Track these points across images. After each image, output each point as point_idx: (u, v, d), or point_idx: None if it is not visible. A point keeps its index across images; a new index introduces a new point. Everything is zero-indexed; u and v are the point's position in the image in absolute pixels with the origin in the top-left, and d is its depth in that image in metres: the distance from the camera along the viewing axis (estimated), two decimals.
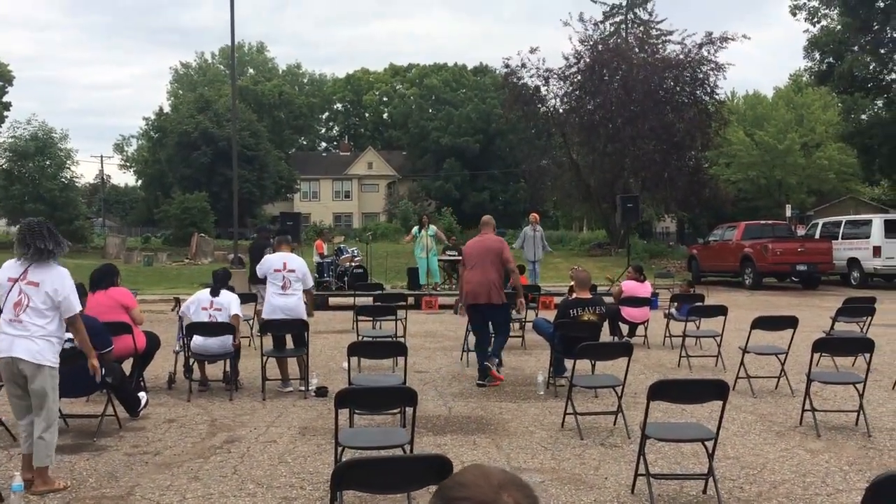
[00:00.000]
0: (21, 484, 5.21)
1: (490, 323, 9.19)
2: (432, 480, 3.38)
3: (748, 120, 44.23)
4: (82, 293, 7.39)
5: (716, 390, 5.08)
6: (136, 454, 6.39)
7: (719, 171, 41.27)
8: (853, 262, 23.91)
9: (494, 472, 1.46)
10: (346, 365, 8.82)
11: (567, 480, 5.67)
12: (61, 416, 6.46)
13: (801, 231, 28.79)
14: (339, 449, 5.11)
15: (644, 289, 12.07)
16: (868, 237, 23.45)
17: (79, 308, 5.55)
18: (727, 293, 22.59)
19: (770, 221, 27.89)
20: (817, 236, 25.47)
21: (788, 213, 33.38)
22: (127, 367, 8.14)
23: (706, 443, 5.28)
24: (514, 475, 1.46)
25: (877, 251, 23.09)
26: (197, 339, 8.56)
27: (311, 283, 9.28)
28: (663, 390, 5.16)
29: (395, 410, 6.67)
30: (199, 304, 8.82)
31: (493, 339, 9.26)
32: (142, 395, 7.80)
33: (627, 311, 11.81)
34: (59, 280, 5.41)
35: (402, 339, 9.83)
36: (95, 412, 7.21)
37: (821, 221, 27.03)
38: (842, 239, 24.33)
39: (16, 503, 5.03)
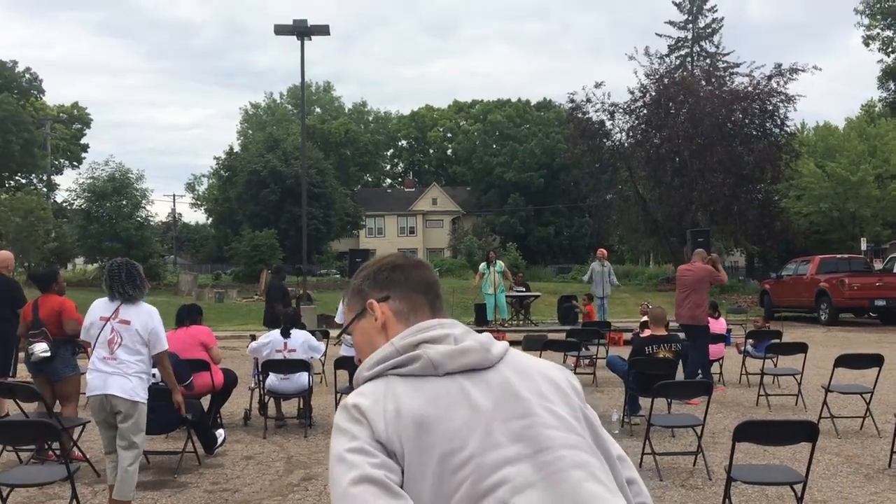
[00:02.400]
0: None
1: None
2: None
3: (819, 152, 43.35)
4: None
5: (805, 432, 4.95)
6: (216, 491, 6.47)
7: (790, 204, 40.46)
8: None
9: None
10: None
11: None
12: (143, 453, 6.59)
13: (878, 265, 27.97)
14: None
15: (719, 325, 11.86)
16: None
17: (166, 345, 5.71)
18: (802, 329, 22.03)
19: (846, 255, 27.16)
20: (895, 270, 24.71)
21: (864, 246, 32.49)
22: (205, 403, 8.29)
23: (794, 486, 5.13)
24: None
25: None
26: (272, 380, 8.66)
27: None
28: (749, 431, 5.04)
29: None
30: (273, 346, 8.94)
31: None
32: (219, 432, 7.92)
33: None
34: (147, 318, 5.58)
35: None
36: (176, 448, 7.34)
37: None
38: None
39: None
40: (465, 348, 1.56)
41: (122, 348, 5.44)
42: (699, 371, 10.25)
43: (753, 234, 36.12)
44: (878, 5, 30.31)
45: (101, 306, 5.65)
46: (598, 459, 1.57)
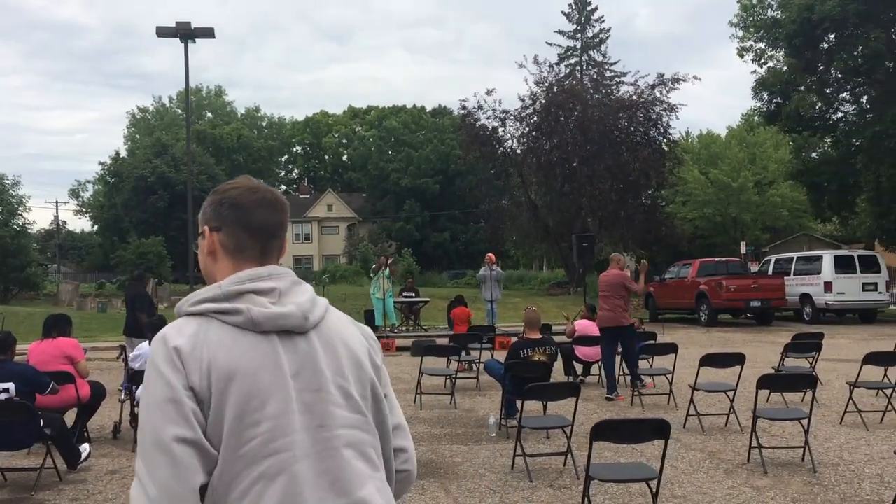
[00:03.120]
0: None
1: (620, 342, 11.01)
2: None
3: (703, 159, 45.05)
4: (10, 342, 7.25)
5: (657, 429, 5.08)
6: None
7: (676, 209, 41.86)
8: (805, 298, 24.24)
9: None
10: None
11: None
12: None
13: (754, 267, 29.17)
14: None
15: (596, 328, 12.10)
16: (819, 273, 23.81)
17: None
18: (684, 330, 22.77)
19: (724, 259, 28.23)
20: (770, 273, 25.81)
21: (743, 249, 33.86)
22: (70, 418, 7.96)
23: (650, 483, 5.27)
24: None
25: (828, 287, 23.44)
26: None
27: None
28: (606, 430, 5.15)
29: None
30: (144, 357, 8.66)
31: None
32: (84, 446, 7.61)
33: (581, 351, 11.85)
34: None
35: None
36: (34, 465, 7.01)
37: (773, 258, 27.41)
38: (794, 275, 24.69)
39: None
40: (286, 313, 1.68)
41: None
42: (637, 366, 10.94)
43: (640, 239, 37.19)
44: (751, 18, 31.71)
45: None
46: (373, 436, 1.74)
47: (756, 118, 42.23)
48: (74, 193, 77.49)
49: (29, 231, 41.95)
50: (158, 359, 1.60)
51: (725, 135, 49.48)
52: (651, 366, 11.66)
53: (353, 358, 1.76)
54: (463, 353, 12.61)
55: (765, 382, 7.05)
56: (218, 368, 1.59)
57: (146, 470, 1.54)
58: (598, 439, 5.15)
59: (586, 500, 5.26)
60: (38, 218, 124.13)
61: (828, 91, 29.73)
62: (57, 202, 75.40)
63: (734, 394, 8.60)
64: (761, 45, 31.57)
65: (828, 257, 24.23)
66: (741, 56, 32.92)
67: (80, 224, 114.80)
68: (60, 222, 72.05)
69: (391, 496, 1.77)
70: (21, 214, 40.09)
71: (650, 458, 6.98)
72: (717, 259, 27.84)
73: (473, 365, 12.35)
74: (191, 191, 23.51)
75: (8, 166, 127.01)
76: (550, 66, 40.05)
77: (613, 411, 9.96)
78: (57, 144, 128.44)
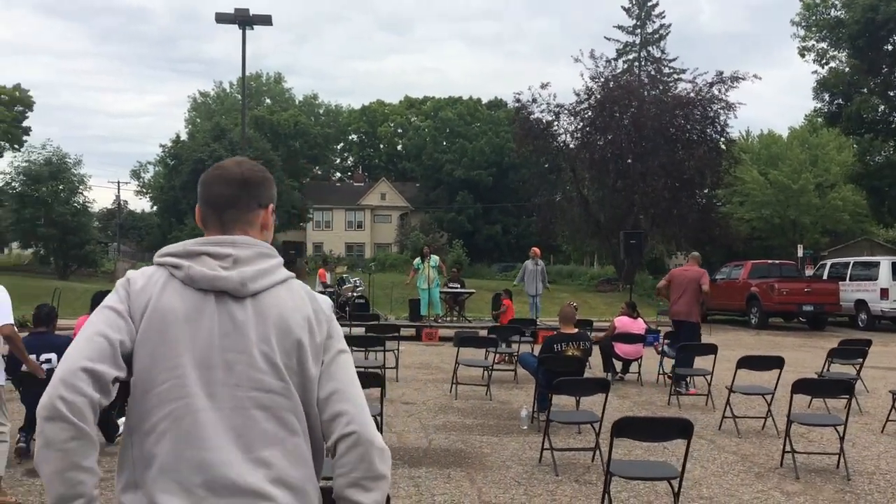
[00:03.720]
0: None
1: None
2: None
3: (762, 159, 44.13)
4: (52, 315, 7.43)
5: (679, 429, 5.03)
6: None
7: (732, 210, 41.13)
8: (861, 304, 23.66)
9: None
10: None
11: None
12: None
13: (810, 271, 28.56)
14: None
15: (637, 325, 12.01)
16: (876, 279, 23.23)
17: (8, 320, 5.49)
18: (733, 332, 22.44)
19: (778, 261, 27.69)
20: (825, 277, 25.26)
21: (800, 252, 33.14)
22: None
23: (672, 482, 5.22)
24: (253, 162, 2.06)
25: (884, 293, 22.84)
26: None
27: None
28: (627, 427, 5.11)
29: None
30: None
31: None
32: (122, 420, 7.76)
33: (620, 348, 11.76)
34: None
35: (390, 370, 9.79)
36: None
37: (829, 262, 26.81)
38: (849, 280, 24.11)
39: None
40: (223, 276, 1.83)
41: None
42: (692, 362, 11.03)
43: (693, 238, 36.63)
44: (814, 17, 30.90)
45: None
46: (293, 402, 1.83)
47: (818, 119, 41.24)
48: (136, 174, 79.08)
49: (89, 209, 42.95)
50: (119, 283, 1.88)
51: (787, 135, 48.40)
52: (692, 366, 11.51)
53: (283, 328, 1.85)
54: (503, 346, 12.62)
55: (800, 387, 6.92)
56: (154, 309, 1.80)
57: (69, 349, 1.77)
58: (619, 436, 5.12)
59: (607, 496, 5.23)
60: (100, 198, 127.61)
61: (891, 94, 28.91)
62: (119, 182, 77.13)
63: (772, 397, 8.45)
64: (823, 44, 30.78)
65: (885, 263, 23.60)
66: (802, 56, 32.08)
67: (141, 204, 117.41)
68: (122, 202, 73.66)
69: (305, 459, 1.84)
70: (82, 193, 41.06)
71: (680, 458, 6.90)
72: (770, 261, 27.32)
73: (513, 357, 12.34)
74: None
75: (74, 146, 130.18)
76: (607, 60, 39.59)
77: (649, 409, 9.88)
78: (123, 127, 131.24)
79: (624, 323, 11.94)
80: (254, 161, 2.09)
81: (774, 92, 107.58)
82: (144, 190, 76.10)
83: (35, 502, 5.76)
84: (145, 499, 1.73)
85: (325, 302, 1.99)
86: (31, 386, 6.62)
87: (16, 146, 56.72)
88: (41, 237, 39.32)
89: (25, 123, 60.18)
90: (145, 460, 1.75)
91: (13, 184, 39.43)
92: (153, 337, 1.78)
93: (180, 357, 1.77)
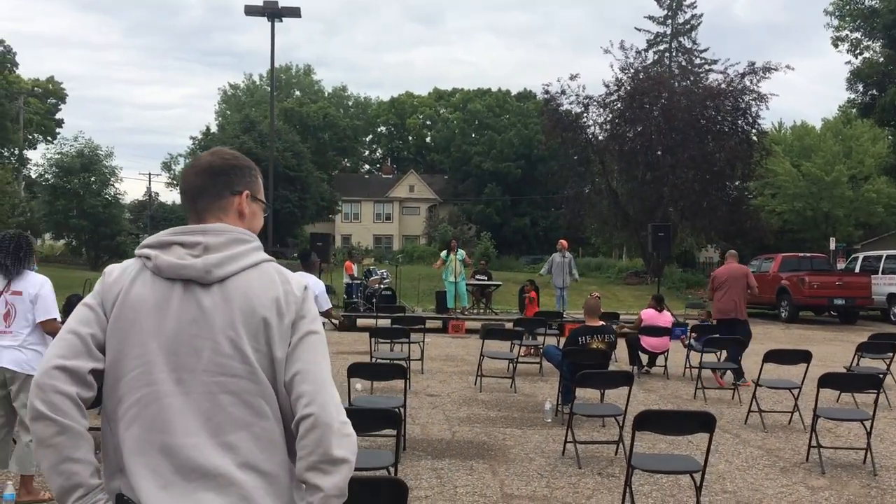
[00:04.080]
0: (14, 493, 5.28)
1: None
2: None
3: (795, 151, 43.54)
4: (76, 304, 7.50)
5: (701, 422, 5.00)
6: None
7: (764, 202, 40.66)
8: (893, 298, 23.34)
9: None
10: (359, 386, 8.89)
11: None
12: None
13: (842, 264, 28.19)
14: None
15: (663, 318, 11.93)
16: None
17: (54, 314, 5.51)
18: (762, 325, 22.20)
19: (808, 254, 27.35)
20: (857, 270, 24.93)
21: (832, 245, 32.74)
22: None
23: (694, 475, 5.20)
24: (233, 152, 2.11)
25: None
26: None
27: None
28: (648, 421, 5.10)
29: (391, 432, 6.65)
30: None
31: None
32: None
33: (646, 341, 11.70)
34: (35, 286, 5.43)
35: (416, 361, 9.81)
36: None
37: (861, 255, 26.44)
38: (882, 273, 23.78)
39: None
40: (187, 265, 1.88)
41: (18, 321, 5.37)
42: (740, 358, 10.95)
43: (723, 231, 36.33)
44: (848, 7, 30.43)
45: None
46: (261, 386, 1.85)
47: (852, 110, 40.64)
48: (167, 166, 79.77)
49: (120, 201, 43.38)
50: (99, 279, 1.95)
51: (820, 127, 47.71)
52: (719, 359, 11.44)
53: (248, 310, 1.87)
54: (530, 339, 12.61)
55: (826, 381, 6.85)
56: (123, 300, 1.86)
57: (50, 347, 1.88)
58: (640, 429, 5.11)
59: (628, 489, 5.22)
60: (131, 189, 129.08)
61: None
62: (150, 174, 77.82)
63: (798, 392, 8.37)
64: (857, 34, 30.37)
65: None
66: (836, 46, 31.72)
67: (172, 196, 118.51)
68: (153, 194, 74.39)
69: (276, 443, 1.86)
70: (113, 185, 41.49)
71: (704, 452, 6.87)
72: (800, 254, 26.98)
73: (539, 350, 12.32)
74: (272, 167, 23.97)
75: (105, 138, 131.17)
76: (637, 51, 39.29)
77: (674, 403, 9.83)
78: (153, 119, 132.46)
79: (650, 316, 11.87)
80: (234, 151, 2.12)
81: (807, 82, 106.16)
82: (175, 182, 76.77)
83: None
84: (128, 484, 1.79)
85: (299, 284, 1.97)
86: None
87: (49, 138, 57.57)
88: (73, 228, 39.78)
89: (58, 116, 61.16)
90: (119, 447, 1.81)
91: (46, 175, 39.91)
92: (123, 326, 1.84)
93: (147, 345, 1.82)
